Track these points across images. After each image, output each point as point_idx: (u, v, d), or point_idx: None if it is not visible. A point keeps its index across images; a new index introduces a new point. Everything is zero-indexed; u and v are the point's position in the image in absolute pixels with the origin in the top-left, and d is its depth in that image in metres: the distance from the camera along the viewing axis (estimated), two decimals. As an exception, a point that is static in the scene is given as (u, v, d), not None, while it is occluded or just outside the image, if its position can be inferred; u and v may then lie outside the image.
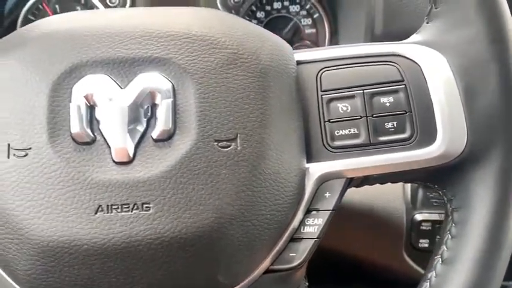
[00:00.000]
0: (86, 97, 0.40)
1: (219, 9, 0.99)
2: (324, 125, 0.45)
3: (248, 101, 0.42)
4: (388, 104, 0.45)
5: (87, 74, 0.41)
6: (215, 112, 0.41)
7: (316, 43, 1.00)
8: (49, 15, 0.96)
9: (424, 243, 0.84)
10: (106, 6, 0.97)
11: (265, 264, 0.43)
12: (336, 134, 0.45)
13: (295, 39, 0.99)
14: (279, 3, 1.00)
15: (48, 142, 0.39)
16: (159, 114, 0.40)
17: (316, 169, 0.45)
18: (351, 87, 0.46)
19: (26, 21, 0.96)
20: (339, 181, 0.45)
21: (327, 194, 0.45)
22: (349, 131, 0.45)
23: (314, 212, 0.45)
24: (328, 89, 0.46)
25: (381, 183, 0.49)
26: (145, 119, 0.41)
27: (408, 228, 0.85)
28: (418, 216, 0.84)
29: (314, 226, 0.45)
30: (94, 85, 0.40)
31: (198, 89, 0.41)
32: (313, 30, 1.01)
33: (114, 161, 0.39)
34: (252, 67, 0.43)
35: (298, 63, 0.47)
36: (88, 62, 0.41)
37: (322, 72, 0.47)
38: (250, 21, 0.99)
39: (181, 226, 0.39)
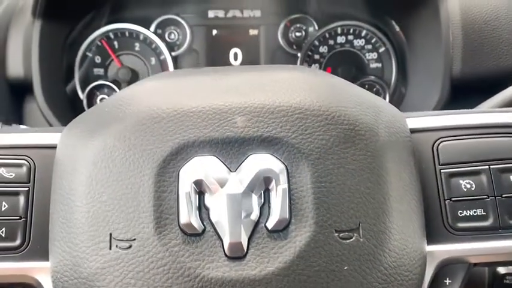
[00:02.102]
0: (195, 183, 0.37)
1: (280, 44, 0.95)
2: (445, 204, 0.41)
3: (369, 184, 0.37)
4: None
5: (194, 155, 0.37)
6: (334, 198, 0.37)
7: (381, 78, 0.95)
8: (108, 52, 0.94)
9: (507, 297, 0.79)
10: (164, 41, 0.95)
11: None
12: (459, 214, 0.40)
13: (359, 74, 0.95)
14: (343, 37, 0.96)
15: (154, 233, 0.36)
16: (274, 202, 0.37)
17: (437, 253, 0.40)
18: (475, 162, 0.41)
19: (84, 57, 0.95)
20: (461, 266, 0.41)
21: (447, 281, 0.41)
22: (475, 212, 0.40)
23: None
24: (447, 163, 0.41)
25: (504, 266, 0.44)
26: (258, 207, 0.37)
27: (490, 282, 0.79)
28: (501, 270, 0.78)
29: None
30: (202, 168, 0.37)
31: (314, 172, 0.37)
32: (379, 65, 0.96)
33: (226, 255, 0.36)
34: (370, 145, 0.38)
35: (412, 131, 0.43)
36: (195, 142, 0.37)
37: (440, 143, 0.42)
38: (313, 56, 0.96)
39: None
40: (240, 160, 0.37)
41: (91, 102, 0.94)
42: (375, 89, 0.95)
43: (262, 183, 0.37)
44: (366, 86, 0.94)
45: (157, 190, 0.36)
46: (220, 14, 0.95)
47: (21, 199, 0.40)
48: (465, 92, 0.80)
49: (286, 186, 0.37)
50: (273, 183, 0.37)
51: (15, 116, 0.87)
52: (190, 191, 0.36)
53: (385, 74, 0.96)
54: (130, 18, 0.95)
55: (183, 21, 0.95)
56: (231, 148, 0.37)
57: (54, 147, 0.42)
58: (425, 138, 0.42)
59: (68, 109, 0.92)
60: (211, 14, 0.96)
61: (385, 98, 0.94)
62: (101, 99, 0.94)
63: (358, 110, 0.40)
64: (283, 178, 0.37)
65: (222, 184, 0.37)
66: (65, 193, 0.39)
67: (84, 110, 0.94)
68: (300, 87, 0.40)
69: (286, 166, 0.37)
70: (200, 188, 0.37)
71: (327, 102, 0.39)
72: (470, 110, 0.44)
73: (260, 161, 0.37)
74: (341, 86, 0.42)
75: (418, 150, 0.42)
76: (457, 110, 0.44)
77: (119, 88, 0.93)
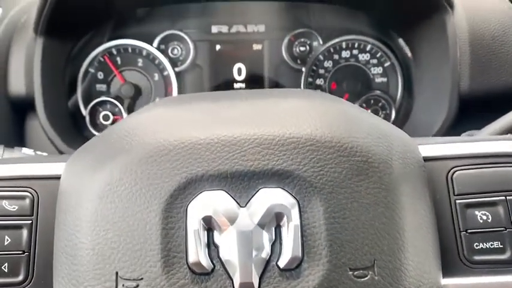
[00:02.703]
0: (204, 219, 0.35)
1: (284, 59, 0.94)
2: (461, 236, 0.39)
3: (384, 220, 0.36)
4: None
5: (202, 190, 0.36)
6: (348, 235, 0.35)
7: (387, 93, 0.94)
8: (111, 68, 0.93)
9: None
10: (167, 57, 0.94)
11: None
12: (475, 247, 0.39)
13: (365, 89, 0.94)
14: (348, 51, 0.95)
15: (162, 272, 0.34)
16: (286, 239, 0.35)
17: (452, 287, 0.39)
18: (491, 192, 0.40)
19: (86, 73, 0.94)
20: None
21: None
22: (492, 245, 0.39)
23: None
24: (462, 193, 0.40)
25: None
26: (269, 244, 0.35)
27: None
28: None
29: None
30: (211, 204, 0.36)
31: (326, 207, 0.36)
32: (384, 80, 0.95)
33: None
34: (384, 177, 0.37)
35: (425, 159, 0.41)
36: (203, 176, 0.36)
37: (454, 172, 0.41)
38: (317, 71, 0.95)
39: None
40: (250, 194, 0.36)
41: (93, 118, 0.93)
42: (380, 104, 0.94)
43: (274, 220, 0.36)
44: (372, 101, 0.93)
45: (164, 227, 0.35)
46: (224, 29, 0.94)
47: (25, 233, 0.39)
48: (474, 108, 0.79)
49: (298, 222, 0.35)
50: (285, 219, 0.36)
51: (17, 134, 0.86)
52: (199, 228, 0.35)
53: (391, 88, 0.94)
54: (133, 34, 0.94)
55: (186, 37, 0.94)
56: (241, 182, 0.36)
57: (58, 177, 0.41)
58: (439, 167, 0.41)
59: (70, 126, 0.91)
60: (214, 29, 0.95)
61: (391, 113, 0.93)
62: (104, 116, 0.92)
63: (370, 141, 0.39)
64: (294, 214, 0.35)
65: (231, 220, 0.35)
66: (69, 229, 0.37)
67: (87, 127, 0.93)
68: (310, 117, 0.39)
69: (297, 201, 0.36)
70: (209, 225, 0.36)
71: (338, 132, 0.38)
72: (485, 137, 0.43)
73: (271, 196, 0.36)
74: (351, 113, 0.41)
75: (431, 179, 0.41)
76: (471, 137, 0.43)
77: (122, 104, 0.92)
